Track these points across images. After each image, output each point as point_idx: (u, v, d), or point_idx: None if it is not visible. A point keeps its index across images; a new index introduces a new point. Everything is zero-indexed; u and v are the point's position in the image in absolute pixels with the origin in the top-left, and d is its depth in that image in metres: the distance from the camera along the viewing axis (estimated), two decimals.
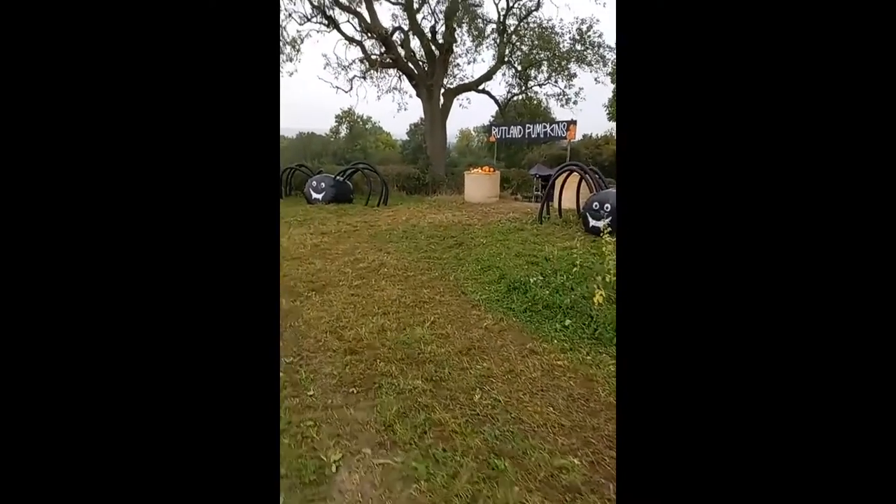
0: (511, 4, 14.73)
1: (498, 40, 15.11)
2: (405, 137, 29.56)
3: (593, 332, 2.84)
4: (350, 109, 30.26)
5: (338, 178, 9.92)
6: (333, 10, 14.06)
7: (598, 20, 14.94)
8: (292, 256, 4.96)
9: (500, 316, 3.23)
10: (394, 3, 14.62)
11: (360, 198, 9.95)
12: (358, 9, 14.03)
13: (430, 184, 12.61)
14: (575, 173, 7.46)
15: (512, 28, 15.05)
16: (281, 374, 2.33)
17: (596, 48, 14.97)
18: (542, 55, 15.19)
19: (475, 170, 11.15)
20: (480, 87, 15.86)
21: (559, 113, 17.15)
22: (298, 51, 14.76)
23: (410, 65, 14.67)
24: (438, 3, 14.40)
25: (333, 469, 1.64)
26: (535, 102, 18.10)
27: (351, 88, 15.63)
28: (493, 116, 22.12)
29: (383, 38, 14.08)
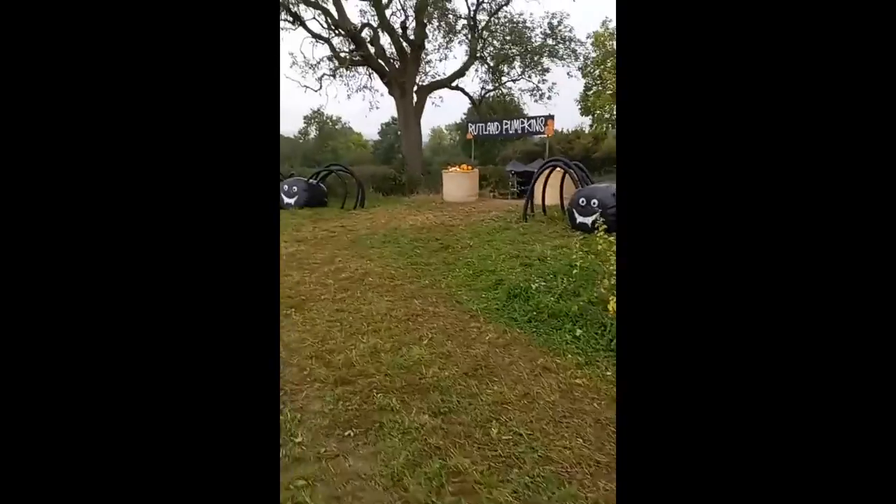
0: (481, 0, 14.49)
1: (469, 36, 14.84)
2: (376, 137, 28.99)
3: (608, 343, 2.59)
4: (319, 109, 29.44)
5: (311, 181, 9.46)
6: (298, 6, 13.50)
7: (568, 14, 14.97)
8: None
9: (503, 328, 2.96)
10: None
11: (335, 201, 9.52)
12: (324, 5, 13.51)
13: (406, 184, 12.23)
14: (558, 169, 7.29)
15: (483, 23, 14.81)
16: None
17: (567, 42, 14.92)
18: (514, 50, 15.01)
19: (453, 168, 10.85)
20: (454, 84, 15.56)
21: (532, 108, 17.02)
22: None
23: (381, 62, 14.24)
24: None
25: None
26: (509, 98, 17.95)
27: (320, 87, 15.08)
28: (464, 114, 21.88)
29: (352, 34, 13.61)
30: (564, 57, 15.09)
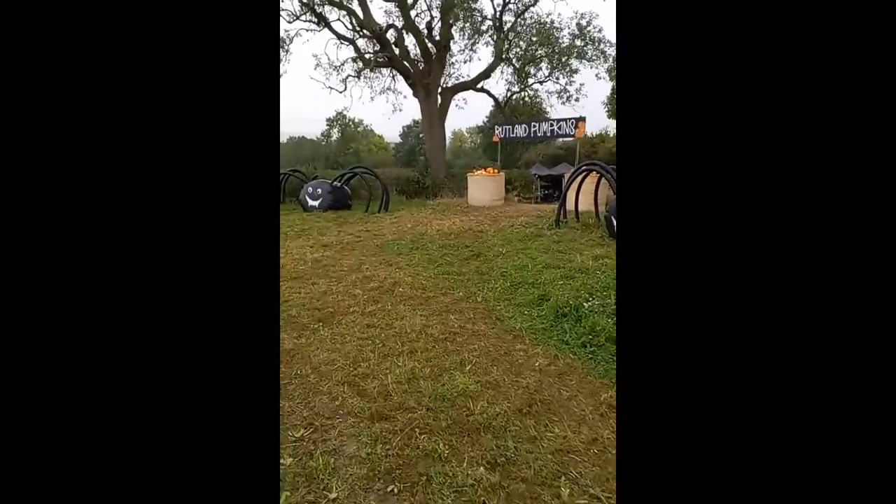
0: (507, 0, 14.17)
1: (495, 37, 14.53)
2: (398, 140, 28.88)
3: None
4: (342, 112, 29.53)
5: (335, 183, 9.28)
6: (324, 7, 13.42)
7: (597, 15, 14.53)
8: (292, 276, 4.32)
9: (553, 352, 2.64)
10: (387, 0, 14.00)
11: (359, 204, 9.32)
12: (349, 5, 13.39)
13: (430, 187, 11.98)
14: (591, 174, 6.91)
15: (509, 24, 14.49)
16: (290, 458, 1.71)
17: (596, 43, 14.47)
18: (541, 51, 14.64)
19: (478, 171, 10.55)
20: (479, 86, 15.27)
21: (559, 110, 16.60)
22: (288, 51, 14.09)
23: (406, 63, 14.05)
24: None
25: None
26: (534, 100, 17.55)
27: (345, 89, 14.97)
28: (486, 117, 21.54)
29: (377, 35, 13.45)
30: (593, 58, 14.64)
